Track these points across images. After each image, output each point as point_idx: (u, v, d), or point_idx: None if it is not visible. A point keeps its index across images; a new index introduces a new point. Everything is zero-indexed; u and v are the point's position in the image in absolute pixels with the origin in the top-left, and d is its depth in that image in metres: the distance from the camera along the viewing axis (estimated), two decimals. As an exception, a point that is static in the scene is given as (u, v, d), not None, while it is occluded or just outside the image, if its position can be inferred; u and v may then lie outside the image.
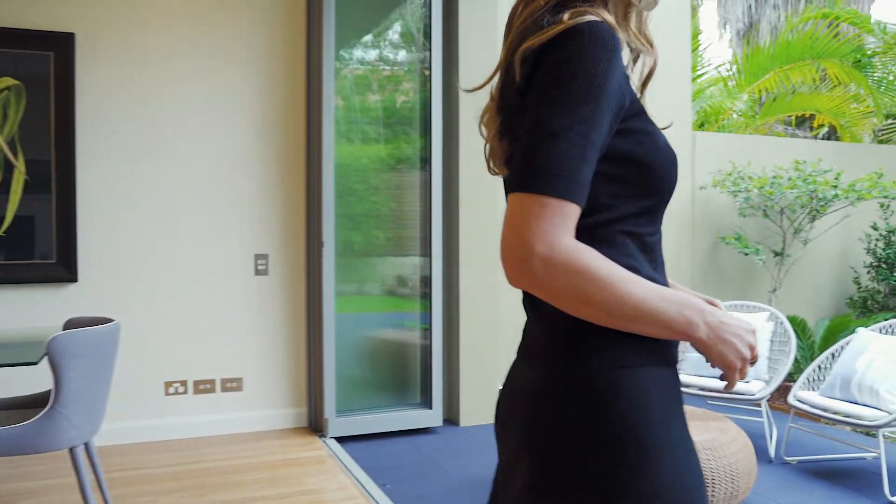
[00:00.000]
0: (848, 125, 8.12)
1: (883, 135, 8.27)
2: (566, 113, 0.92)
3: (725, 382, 1.03)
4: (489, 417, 4.72)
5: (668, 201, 1.07)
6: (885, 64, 8.43)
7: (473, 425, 4.64)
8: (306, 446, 4.09)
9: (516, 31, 1.07)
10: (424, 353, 4.61)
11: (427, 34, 4.56)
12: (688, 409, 3.04)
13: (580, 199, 0.92)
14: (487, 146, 1.16)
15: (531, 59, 0.98)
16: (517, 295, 4.87)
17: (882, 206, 6.38)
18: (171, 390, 4.22)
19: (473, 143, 4.63)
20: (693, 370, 4.41)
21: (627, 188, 1.02)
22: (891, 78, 8.42)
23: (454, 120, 4.63)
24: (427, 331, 4.57)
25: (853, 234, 6.54)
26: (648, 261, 1.06)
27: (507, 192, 1.15)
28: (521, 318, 4.98)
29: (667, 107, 5.05)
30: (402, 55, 4.80)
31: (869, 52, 8.24)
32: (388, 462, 3.94)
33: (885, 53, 8.23)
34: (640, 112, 1.03)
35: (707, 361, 1.02)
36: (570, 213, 0.91)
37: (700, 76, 8.88)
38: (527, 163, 0.93)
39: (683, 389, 2.80)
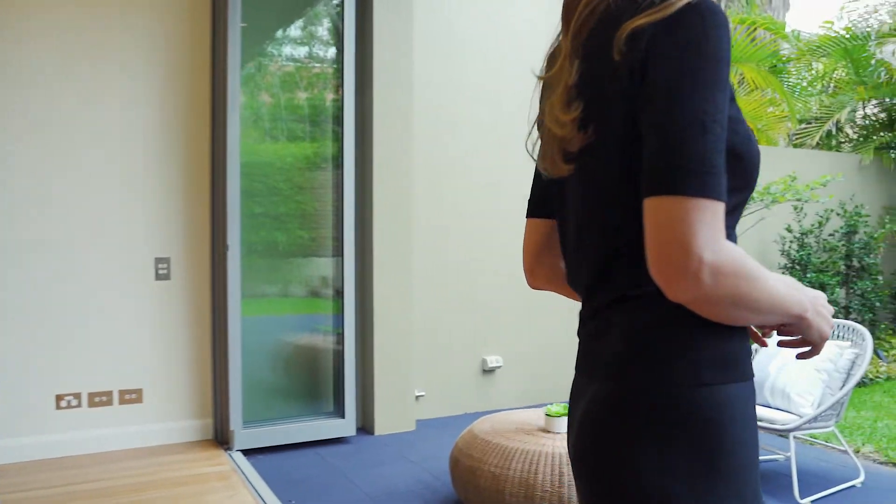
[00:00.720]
0: (764, 129, 8.28)
1: (797, 139, 8.49)
2: (706, 102, 0.85)
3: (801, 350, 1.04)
4: (405, 425, 4.58)
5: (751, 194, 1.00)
6: (798, 70, 8.66)
7: (388, 434, 4.50)
8: (210, 461, 3.87)
9: (590, 2, 0.96)
10: (337, 359, 4.43)
11: (339, 33, 4.38)
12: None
13: (725, 195, 0.86)
14: (541, 140, 1.05)
15: (645, 35, 0.88)
16: (431, 298, 4.68)
17: (795, 208, 6.51)
18: (64, 403, 3.93)
19: (388, 145, 4.49)
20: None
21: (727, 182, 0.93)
22: (804, 84, 8.65)
23: (368, 120, 4.47)
24: (340, 335, 4.40)
25: (769, 237, 6.66)
26: None
27: (567, 182, 1.04)
28: (435, 320, 4.83)
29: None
30: (315, 53, 4.62)
31: (784, 59, 8.45)
32: (296, 476, 3.76)
33: (799, 60, 8.46)
34: (732, 97, 0.93)
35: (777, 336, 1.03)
36: (721, 212, 0.85)
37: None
38: (675, 158, 0.84)
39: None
